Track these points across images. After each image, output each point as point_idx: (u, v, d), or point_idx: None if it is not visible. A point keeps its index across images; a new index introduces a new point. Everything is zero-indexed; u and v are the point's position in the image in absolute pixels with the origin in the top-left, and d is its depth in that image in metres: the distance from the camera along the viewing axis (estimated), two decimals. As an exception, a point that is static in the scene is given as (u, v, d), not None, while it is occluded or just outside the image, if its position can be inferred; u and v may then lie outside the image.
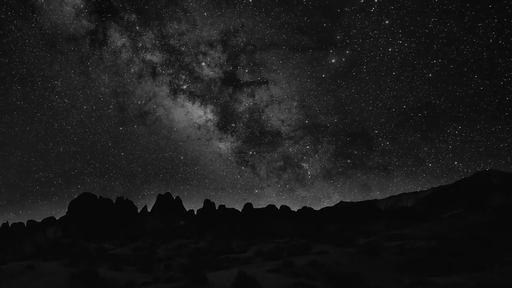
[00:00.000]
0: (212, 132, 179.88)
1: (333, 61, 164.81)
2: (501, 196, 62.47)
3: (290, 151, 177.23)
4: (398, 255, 27.37)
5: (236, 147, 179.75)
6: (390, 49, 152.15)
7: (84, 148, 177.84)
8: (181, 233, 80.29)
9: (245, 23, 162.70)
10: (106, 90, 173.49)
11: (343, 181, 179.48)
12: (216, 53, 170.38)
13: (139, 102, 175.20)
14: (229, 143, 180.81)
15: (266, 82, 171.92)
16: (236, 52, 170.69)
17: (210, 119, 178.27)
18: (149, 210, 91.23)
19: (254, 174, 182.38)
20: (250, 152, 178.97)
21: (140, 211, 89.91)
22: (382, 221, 70.76)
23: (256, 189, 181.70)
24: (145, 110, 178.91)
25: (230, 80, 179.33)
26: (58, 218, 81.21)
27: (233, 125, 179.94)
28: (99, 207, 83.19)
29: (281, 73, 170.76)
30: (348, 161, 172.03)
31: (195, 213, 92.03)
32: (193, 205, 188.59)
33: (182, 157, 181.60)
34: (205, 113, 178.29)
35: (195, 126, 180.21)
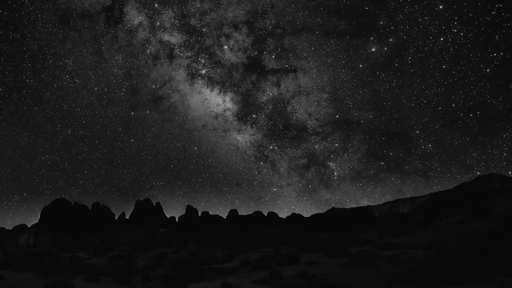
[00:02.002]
0: (230, 122, 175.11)
1: (373, 49, 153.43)
2: (503, 202, 63.00)
3: (315, 148, 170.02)
4: (394, 265, 27.41)
5: (256, 140, 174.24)
6: (442, 39, 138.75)
7: (93, 132, 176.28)
8: (162, 241, 79.71)
9: (275, 4, 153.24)
10: (119, 72, 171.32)
11: (373, 185, 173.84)
12: (241, 35, 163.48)
13: (153, 86, 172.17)
14: (248, 136, 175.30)
15: (294, 71, 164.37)
16: (262, 36, 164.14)
17: (229, 108, 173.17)
18: (127, 217, 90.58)
19: (273, 170, 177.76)
20: (271, 147, 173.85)
21: (118, 218, 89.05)
22: (376, 229, 70.90)
23: (274, 187, 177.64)
24: (159, 95, 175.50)
25: (254, 67, 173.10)
26: (30, 225, 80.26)
27: (254, 116, 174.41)
28: (73, 214, 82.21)
29: (312, 61, 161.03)
30: (382, 163, 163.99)
31: (177, 220, 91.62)
32: (202, 202, 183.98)
33: (195, 148, 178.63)
34: (224, 101, 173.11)
35: (212, 115, 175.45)
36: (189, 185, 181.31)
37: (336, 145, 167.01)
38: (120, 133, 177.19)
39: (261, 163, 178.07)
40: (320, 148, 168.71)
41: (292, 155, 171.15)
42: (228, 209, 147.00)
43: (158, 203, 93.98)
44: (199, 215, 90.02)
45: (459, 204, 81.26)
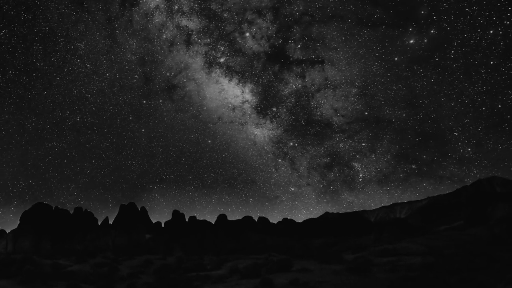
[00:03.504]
0: (249, 115, 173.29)
1: (411, 41, 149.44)
2: (505, 207, 63.19)
3: (340, 147, 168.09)
4: (390, 272, 27.39)
5: (275, 135, 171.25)
6: (491, 31, 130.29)
7: (103, 120, 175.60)
8: (147, 248, 79.28)
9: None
10: (133, 57, 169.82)
11: (402, 190, 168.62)
12: (265, 22, 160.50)
13: (167, 74, 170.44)
14: (266, 130, 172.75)
15: (322, 62, 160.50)
16: (288, 23, 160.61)
17: (247, 100, 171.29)
18: (110, 222, 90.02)
19: (292, 169, 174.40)
20: (291, 143, 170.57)
21: (101, 223, 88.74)
22: (372, 235, 71.15)
23: (292, 187, 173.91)
24: (173, 84, 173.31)
25: (277, 56, 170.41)
26: (9, 231, 79.91)
27: (274, 109, 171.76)
28: (54, 219, 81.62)
29: (341, 52, 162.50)
30: (413, 166, 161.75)
31: (163, 225, 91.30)
32: (214, 199, 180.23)
33: (209, 141, 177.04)
34: (243, 92, 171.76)
35: (229, 106, 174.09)
36: (201, 180, 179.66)
37: (363, 144, 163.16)
38: (131, 122, 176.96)
39: (280, 160, 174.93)
40: (345, 147, 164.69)
41: (314, 153, 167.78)
42: (241, 208, 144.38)
43: (143, 208, 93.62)
44: (186, 220, 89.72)
45: (459, 209, 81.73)
